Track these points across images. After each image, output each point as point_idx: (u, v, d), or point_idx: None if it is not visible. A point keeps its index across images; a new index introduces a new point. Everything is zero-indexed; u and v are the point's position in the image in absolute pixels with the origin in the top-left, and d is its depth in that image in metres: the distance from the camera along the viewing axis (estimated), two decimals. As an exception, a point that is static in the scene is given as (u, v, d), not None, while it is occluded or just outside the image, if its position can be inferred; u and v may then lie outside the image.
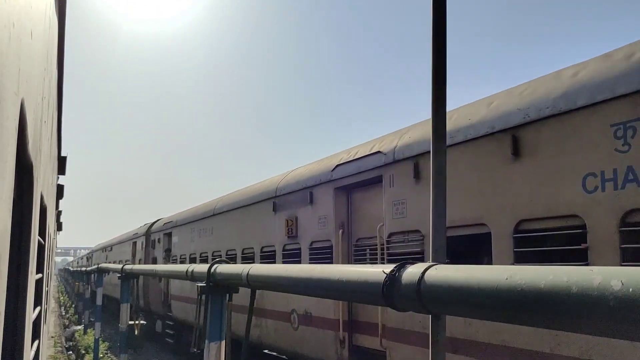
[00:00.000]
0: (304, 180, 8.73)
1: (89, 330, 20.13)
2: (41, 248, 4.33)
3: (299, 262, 8.54)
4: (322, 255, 7.99)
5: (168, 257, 16.95)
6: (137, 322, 12.03)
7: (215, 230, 13.01)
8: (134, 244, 22.36)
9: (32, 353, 3.79)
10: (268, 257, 9.68)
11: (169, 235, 17.23)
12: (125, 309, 10.66)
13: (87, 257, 51.53)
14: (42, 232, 4.15)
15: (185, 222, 15.46)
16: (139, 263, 19.99)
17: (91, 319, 21.13)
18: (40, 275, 4.40)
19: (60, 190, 10.84)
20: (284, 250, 9.13)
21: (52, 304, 33.55)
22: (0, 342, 1.47)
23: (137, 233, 22.39)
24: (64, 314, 31.96)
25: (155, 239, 18.73)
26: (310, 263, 7.58)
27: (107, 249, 33.13)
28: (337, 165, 7.85)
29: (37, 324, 4.38)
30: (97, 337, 13.79)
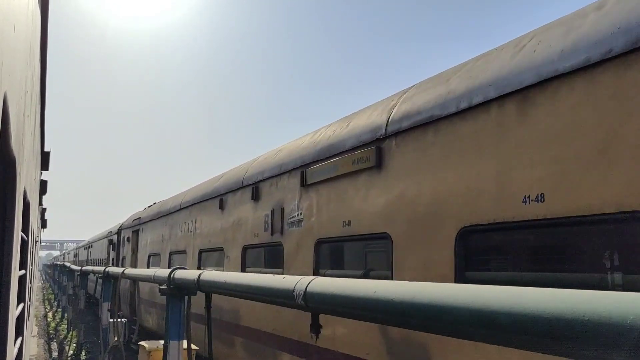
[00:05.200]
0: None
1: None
2: (24, 244, 4.28)
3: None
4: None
5: None
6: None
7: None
8: None
9: (16, 350, 3.75)
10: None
11: None
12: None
13: (109, 239, 22.51)
14: (25, 228, 4.10)
15: None
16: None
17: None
18: (23, 271, 4.35)
19: (43, 186, 10.69)
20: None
21: (34, 326, 18.82)
22: (-17, 338, 1.46)
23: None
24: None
25: None
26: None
27: (177, 208, 11.53)
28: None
29: (20, 321, 4.33)
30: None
